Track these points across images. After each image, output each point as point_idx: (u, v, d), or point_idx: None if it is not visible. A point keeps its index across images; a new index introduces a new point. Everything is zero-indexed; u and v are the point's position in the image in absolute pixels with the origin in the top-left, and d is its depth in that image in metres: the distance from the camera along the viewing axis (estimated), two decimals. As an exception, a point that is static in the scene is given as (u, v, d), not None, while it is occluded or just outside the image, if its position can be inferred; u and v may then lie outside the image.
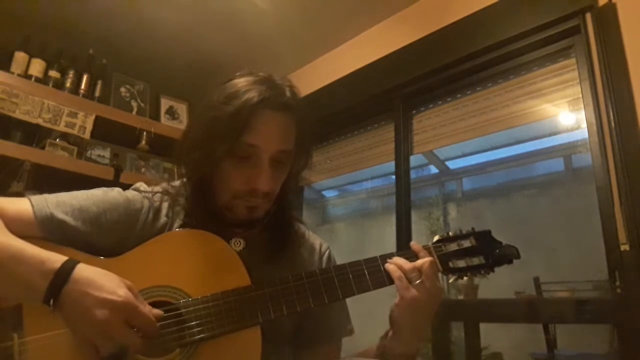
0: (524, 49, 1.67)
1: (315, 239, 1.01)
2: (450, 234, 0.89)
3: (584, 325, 1.80)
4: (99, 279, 0.67)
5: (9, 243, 0.69)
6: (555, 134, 2.21)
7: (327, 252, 1.00)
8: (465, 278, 0.86)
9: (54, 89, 2.24)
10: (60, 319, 0.66)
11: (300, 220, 1.01)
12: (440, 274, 0.84)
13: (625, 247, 1.23)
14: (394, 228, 1.93)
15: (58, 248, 0.74)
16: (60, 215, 0.77)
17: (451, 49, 1.84)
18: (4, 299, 0.72)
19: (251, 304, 0.77)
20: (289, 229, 0.94)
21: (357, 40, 2.32)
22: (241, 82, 0.83)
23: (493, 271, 0.87)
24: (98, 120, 2.31)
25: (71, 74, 2.33)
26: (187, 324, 0.74)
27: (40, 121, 2.14)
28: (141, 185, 0.91)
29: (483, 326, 1.68)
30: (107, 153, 2.53)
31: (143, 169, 2.62)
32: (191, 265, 0.80)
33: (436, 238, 0.88)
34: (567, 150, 2.39)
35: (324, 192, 3.47)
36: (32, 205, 0.77)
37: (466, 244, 0.87)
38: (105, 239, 0.81)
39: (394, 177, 2.01)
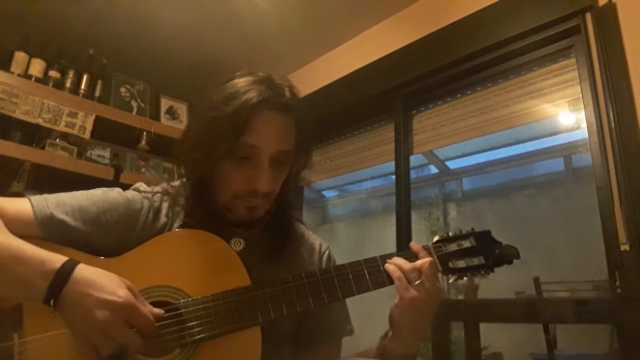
0: (524, 49, 1.67)
1: (315, 239, 1.01)
2: (450, 234, 0.88)
3: (584, 325, 1.80)
4: (99, 280, 0.67)
5: (9, 243, 0.69)
6: (555, 134, 2.21)
7: (326, 252, 1.00)
8: (465, 278, 0.86)
9: (54, 89, 2.25)
10: (60, 319, 0.66)
11: (300, 220, 1.01)
12: (440, 274, 0.84)
13: (625, 247, 1.24)
14: (394, 228, 1.93)
15: (58, 248, 0.74)
16: (60, 215, 0.77)
17: (451, 49, 1.84)
18: (4, 299, 0.72)
19: (251, 304, 0.77)
20: (288, 229, 0.94)
21: (357, 40, 2.32)
22: (241, 82, 0.83)
23: (493, 271, 0.87)
24: (98, 120, 2.31)
25: (71, 74, 2.34)
26: (187, 324, 0.74)
27: (40, 121, 2.14)
28: (141, 186, 0.91)
29: (483, 326, 1.68)
30: (107, 153, 2.53)
31: (143, 169, 2.62)
32: (191, 266, 0.80)
33: (436, 238, 0.88)
34: (567, 150, 2.39)
35: (324, 192, 3.47)
36: (32, 206, 0.77)
37: (466, 244, 0.86)
38: (105, 239, 0.81)
39: (394, 177, 2.01)
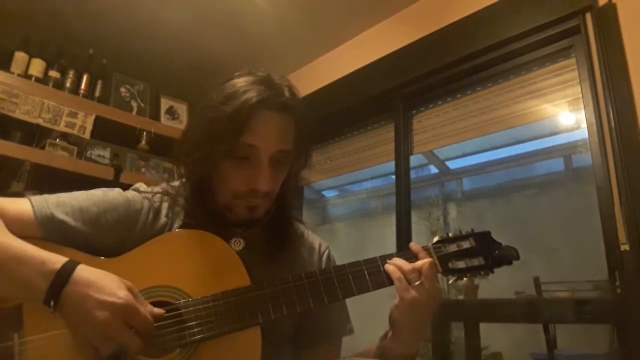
0: (524, 49, 1.67)
1: (315, 239, 1.01)
2: (449, 234, 0.88)
3: (584, 325, 1.80)
4: (100, 280, 0.67)
5: (9, 243, 0.69)
6: (555, 134, 2.21)
7: (326, 252, 1.00)
8: (464, 279, 0.86)
9: (54, 89, 2.25)
10: (60, 320, 0.66)
11: (300, 220, 1.01)
12: (439, 275, 0.84)
13: (625, 247, 1.23)
14: (394, 228, 1.93)
15: (58, 248, 0.74)
16: (60, 215, 0.77)
17: (451, 49, 1.84)
18: (4, 299, 0.72)
19: (251, 304, 0.77)
20: (288, 229, 0.94)
21: (357, 40, 2.32)
22: (240, 82, 0.83)
23: (492, 272, 0.87)
24: (98, 120, 2.31)
25: (71, 74, 2.34)
26: (187, 324, 0.74)
27: (40, 121, 2.14)
28: (141, 186, 0.92)
29: (483, 326, 1.68)
30: (107, 153, 2.53)
31: (143, 169, 2.62)
32: (191, 266, 0.80)
33: (436, 239, 0.88)
34: (567, 150, 2.39)
35: (324, 192, 3.47)
36: (33, 206, 0.77)
37: (466, 245, 0.87)
38: (106, 239, 0.81)
39: (394, 177, 2.01)
